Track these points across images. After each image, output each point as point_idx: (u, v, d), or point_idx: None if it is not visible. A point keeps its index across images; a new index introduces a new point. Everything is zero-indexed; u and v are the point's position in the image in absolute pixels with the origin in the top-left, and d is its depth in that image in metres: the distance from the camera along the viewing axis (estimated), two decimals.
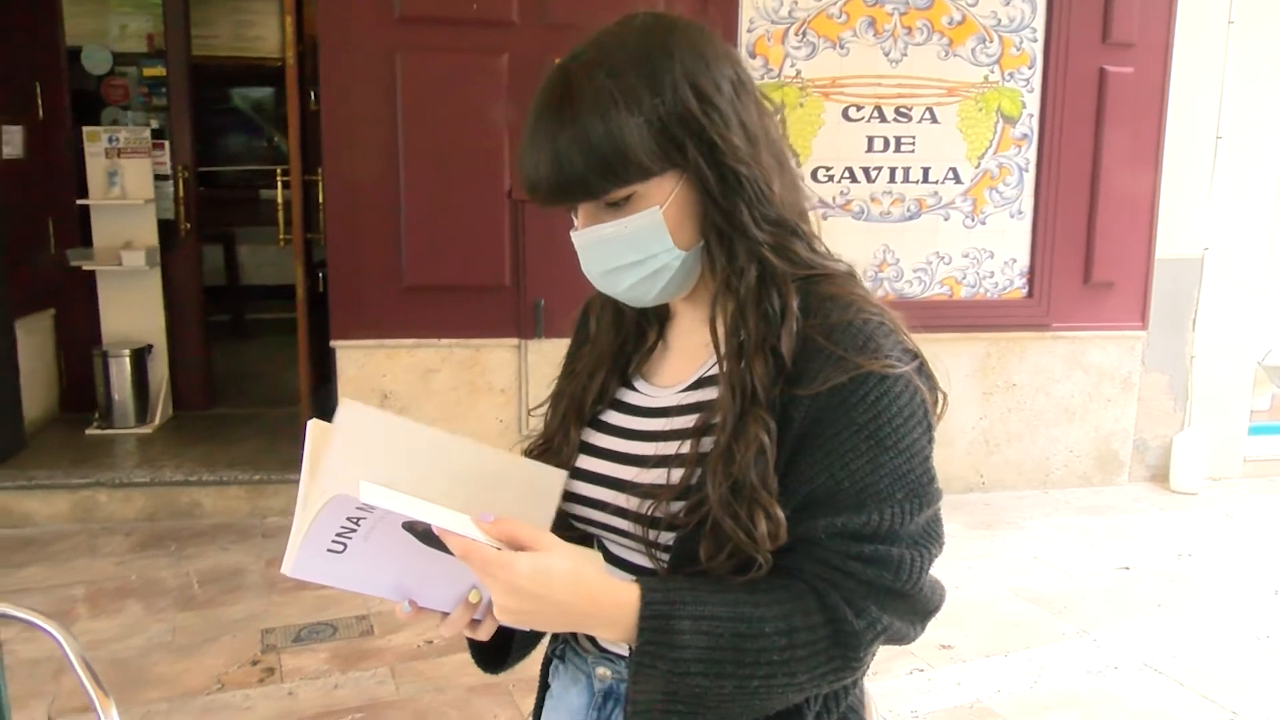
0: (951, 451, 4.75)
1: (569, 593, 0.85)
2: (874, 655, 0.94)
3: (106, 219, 5.11)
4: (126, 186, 5.06)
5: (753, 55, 4.41)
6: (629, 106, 0.90)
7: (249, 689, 3.05)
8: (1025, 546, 4.27)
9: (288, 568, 0.87)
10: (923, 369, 0.94)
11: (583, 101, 0.90)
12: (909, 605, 0.92)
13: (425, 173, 4.17)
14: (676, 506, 0.94)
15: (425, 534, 0.86)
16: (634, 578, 0.92)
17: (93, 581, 3.81)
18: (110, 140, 5.04)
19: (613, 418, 1.07)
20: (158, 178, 5.18)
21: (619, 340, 1.10)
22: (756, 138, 0.96)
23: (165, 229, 5.26)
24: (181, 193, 5.29)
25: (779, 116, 1.03)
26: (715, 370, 0.98)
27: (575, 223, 0.98)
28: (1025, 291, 4.80)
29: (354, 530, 0.86)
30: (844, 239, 4.47)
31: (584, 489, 1.03)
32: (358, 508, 0.83)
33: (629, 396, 1.08)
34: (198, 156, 5.51)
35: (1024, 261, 4.78)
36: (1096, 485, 5.01)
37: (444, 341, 4.35)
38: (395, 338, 4.33)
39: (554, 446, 1.08)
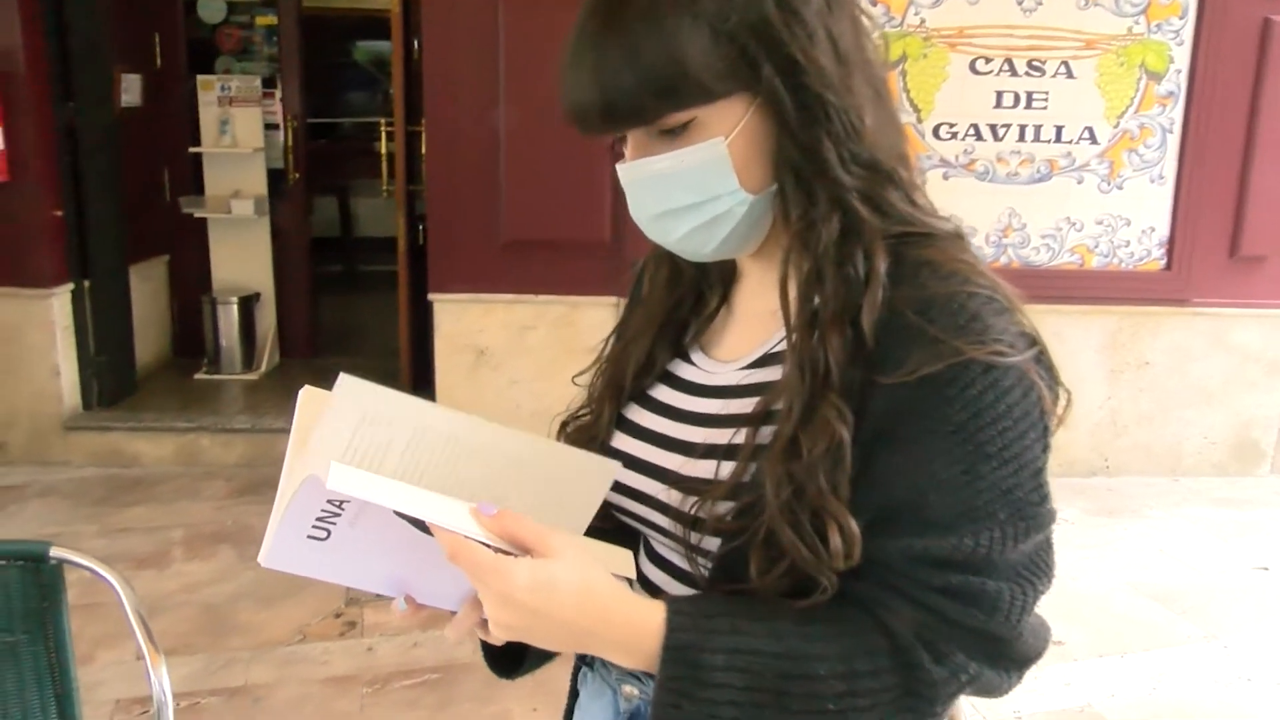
0: (1074, 434, 4.44)
1: (575, 610, 0.71)
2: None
3: (217, 167, 5.17)
4: (237, 135, 5.11)
5: (873, 2, 4.15)
6: (690, 12, 0.74)
7: (329, 642, 3.03)
8: (1150, 537, 3.96)
9: (263, 557, 0.76)
10: (1041, 358, 0.76)
11: (633, 6, 0.75)
12: (1003, 651, 0.75)
13: (526, 125, 4.06)
14: (724, 508, 0.78)
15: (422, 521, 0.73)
16: (663, 598, 0.78)
17: (191, 525, 3.87)
18: (223, 89, 5.08)
19: (661, 393, 0.92)
20: (268, 127, 5.21)
21: (673, 302, 0.95)
22: (849, 59, 0.79)
23: (275, 179, 5.30)
24: (290, 142, 5.32)
25: (879, 37, 0.86)
26: (785, 345, 0.82)
27: (625, 155, 0.83)
28: (1163, 263, 4.43)
29: (337, 515, 0.74)
30: (966, 201, 4.20)
31: (622, 475, 0.89)
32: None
33: (683, 370, 0.92)
34: (318, 109, 5.54)
35: (1163, 231, 4.41)
36: (1232, 475, 4.63)
37: (541, 298, 4.27)
38: (492, 292, 4.26)
39: (586, 423, 0.94)
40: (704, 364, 0.91)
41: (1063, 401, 0.77)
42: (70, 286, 4.40)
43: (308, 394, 0.81)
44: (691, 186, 0.80)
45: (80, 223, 4.42)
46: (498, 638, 0.73)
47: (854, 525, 0.73)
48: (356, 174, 7.76)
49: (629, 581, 0.81)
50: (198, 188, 5.24)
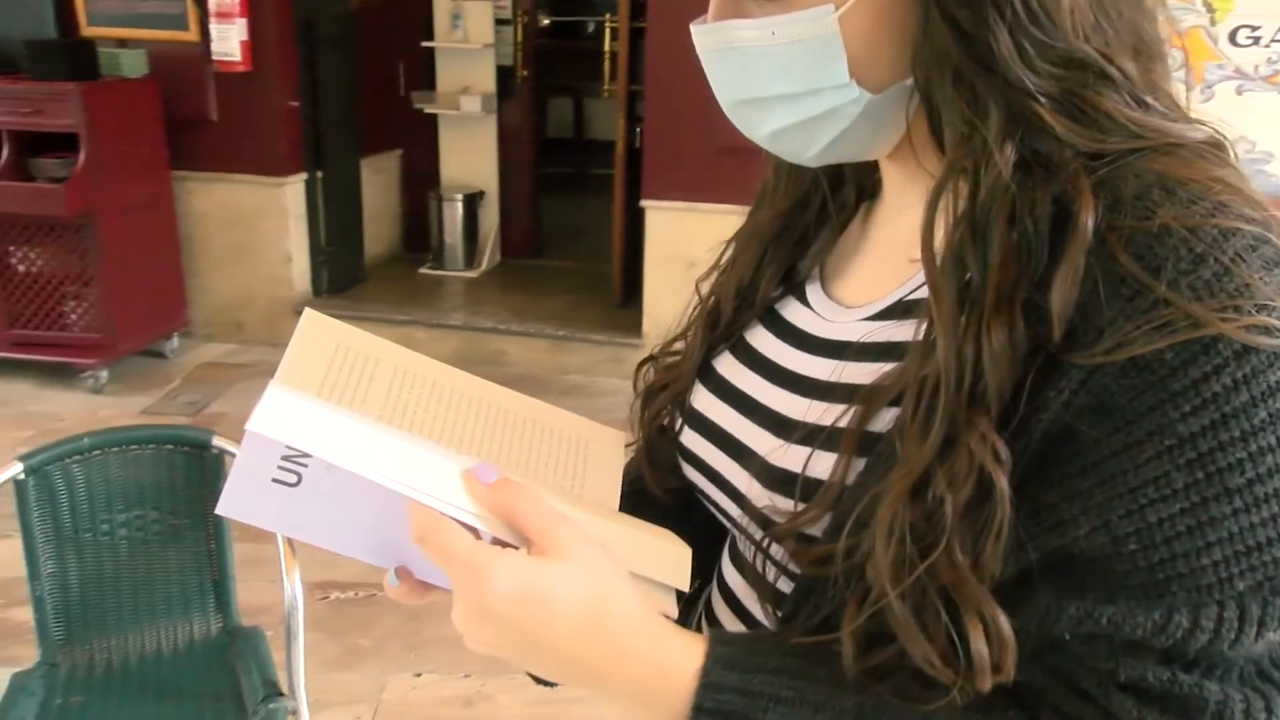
0: None
1: (577, 636, 0.52)
2: None
3: (449, 63, 5.18)
4: (468, 30, 5.08)
5: None
6: None
7: None
8: None
9: (221, 504, 0.60)
10: None
11: None
12: None
13: None
14: (811, 544, 0.56)
15: None
16: (710, 632, 0.57)
17: None
18: None
19: (760, 340, 0.70)
20: (498, 22, 5.15)
21: (792, 202, 0.72)
22: None
23: (504, 77, 5.26)
24: (520, 39, 5.24)
25: None
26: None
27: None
28: None
29: (308, 456, 0.57)
30: (1265, 121, 3.56)
31: (694, 442, 0.68)
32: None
33: (791, 310, 0.70)
34: (553, 6, 5.42)
35: None
36: None
37: None
38: (706, 202, 4.04)
39: (673, 367, 0.73)
40: (820, 304, 0.68)
41: None
42: (304, 177, 4.55)
43: (311, 319, 0.65)
44: (783, 71, 0.57)
45: (315, 114, 4.54)
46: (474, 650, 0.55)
47: (1007, 628, 0.49)
48: (593, 75, 7.67)
49: (679, 595, 0.60)
50: (430, 83, 5.27)
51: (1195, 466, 0.46)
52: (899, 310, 0.61)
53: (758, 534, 0.60)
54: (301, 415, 0.51)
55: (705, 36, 0.60)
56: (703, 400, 0.70)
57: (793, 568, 0.58)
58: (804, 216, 0.72)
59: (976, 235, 0.52)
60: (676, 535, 0.62)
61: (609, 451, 0.69)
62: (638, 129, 4.34)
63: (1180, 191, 0.49)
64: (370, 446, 0.52)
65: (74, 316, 4.09)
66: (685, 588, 0.59)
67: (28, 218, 3.92)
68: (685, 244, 4.10)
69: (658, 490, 0.73)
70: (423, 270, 5.23)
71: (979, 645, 0.49)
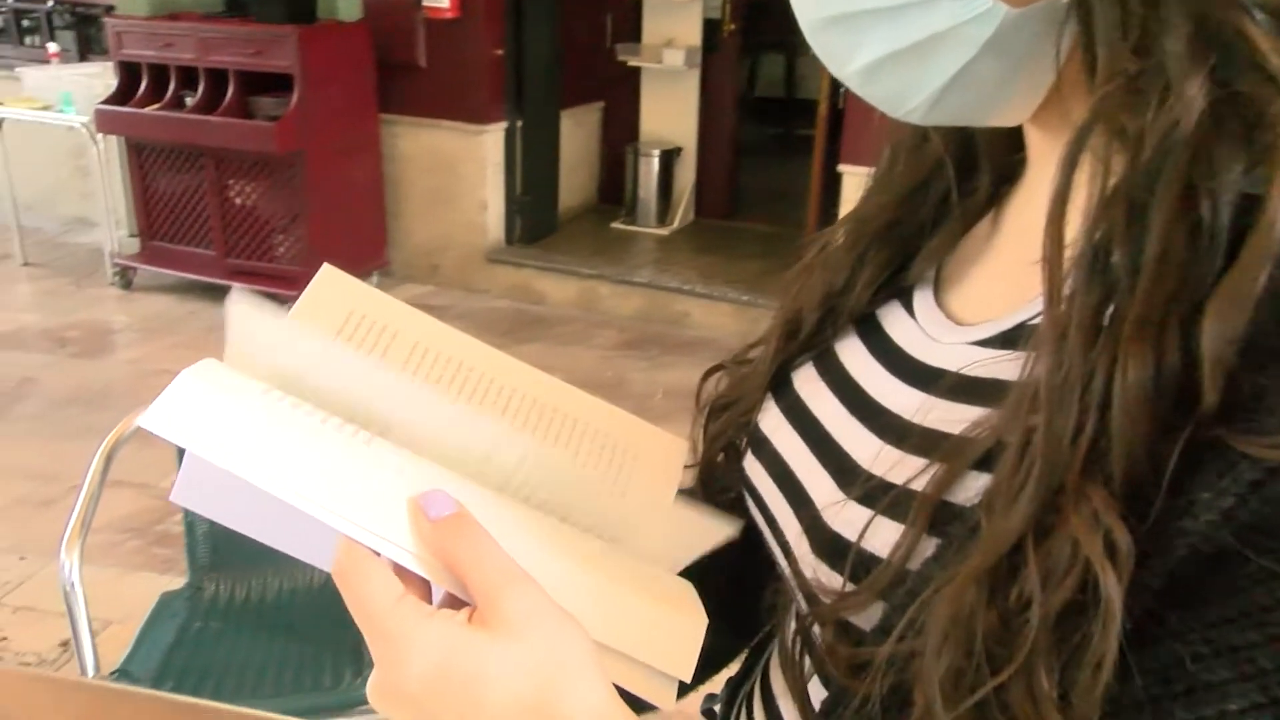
0: None
1: None
2: None
3: (655, 15, 5.08)
4: None
5: None
6: None
7: None
8: None
9: (174, 492, 0.53)
10: None
11: None
12: None
13: None
14: (852, 640, 0.44)
15: None
16: None
17: (574, 370, 3.95)
18: None
19: (848, 352, 0.57)
20: None
21: (911, 186, 0.58)
22: None
23: (711, 31, 5.11)
24: None
25: None
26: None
27: None
28: None
29: None
30: None
31: (755, 472, 0.56)
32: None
33: (893, 321, 0.56)
34: None
35: None
36: None
37: None
38: None
39: (746, 378, 0.61)
40: (927, 317, 0.54)
41: None
42: (504, 125, 4.58)
43: (327, 277, 0.56)
44: None
45: (519, 64, 4.55)
46: None
47: None
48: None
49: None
50: (636, 36, 5.20)
51: None
52: (1022, 337, 0.46)
53: (801, 608, 0.48)
54: (204, 411, 0.42)
55: None
56: (770, 421, 0.58)
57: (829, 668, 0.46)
58: (922, 207, 0.58)
59: (1133, 218, 0.37)
60: (697, 595, 0.50)
61: (662, 465, 0.58)
62: (843, 89, 4.11)
63: None
64: (293, 452, 0.43)
65: (282, 250, 4.30)
66: (686, 677, 0.46)
67: (245, 154, 4.13)
68: None
69: None
70: (615, 225, 5.20)
71: None
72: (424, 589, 0.43)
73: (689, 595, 0.50)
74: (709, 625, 0.51)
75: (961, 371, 0.47)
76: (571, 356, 4.08)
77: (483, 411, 0.55)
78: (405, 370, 0.55)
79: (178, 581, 1.84)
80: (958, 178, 0.57)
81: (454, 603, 0.42)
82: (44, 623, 2.40)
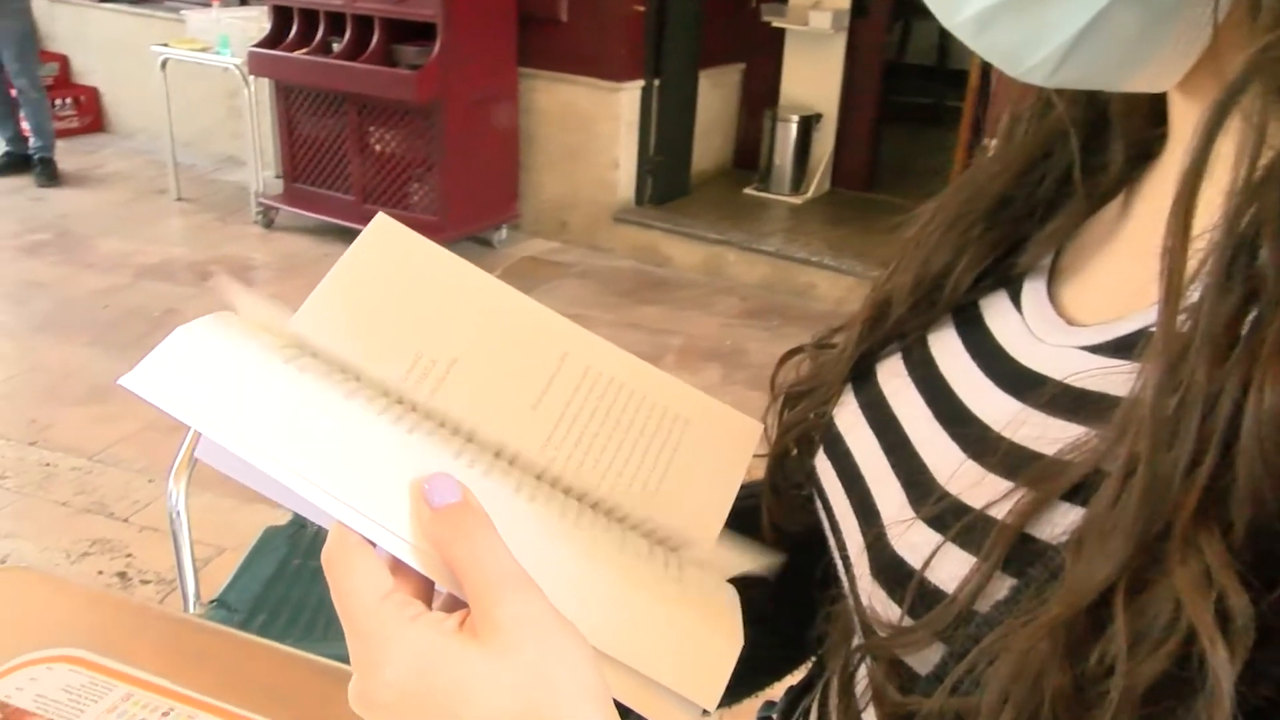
0: None
1: None
2: None
3: None
4: None
5: None
6: None
7: None
8: None
9: (200, 450, 0.51)
10: None
11: None
12: None
13: None
14: (902, 683, 0.39)
15: None
16: None
17: (693, 336, 3.90)
18: None
19: (941, 344, 0.50)
20: None
21: (1030, 159, 0.51)
22: None
23: None
24: None
25: None
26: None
27: None
28: None
29: None
30: None
31: (825, 472, 0.51)
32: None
33: (995, 312, 0.49)
34: None
35: None
36: None
37: None
38: None
39: (827, 365, 0.55)
40: (1035, 312, 0.47)
41: None
42: (640, 84, 4.52)
43: (382, 227, 0.52)
44: None
45: (660, 21, 4.48)
46: None
47: None
48: None
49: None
50: None
51: None
52: (1142, 344, 0.39)
53: (856, 637, 0.43)
54: (191, 373, 0.39)
55: None
56: (846, 416, 0.52)
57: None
58: (1040, 185, 0.51)
59: None
60: (740, 606, 0.45)
61: (729, 448, 0.52)
62: None
63: None
64: (287, 423, 0.39)
65: (416, 198, 4.37)
66: (710, 706, 0.41)
67: (386, 101, 4.20)
68: None
69: (781, 522, 0.56)
70: (747, 190, 5.10)
71: None
72: (422, 585, 0.39)
73: (728, 609, 0.45)
74: (764, 628, 0.46)
75: (1066, 380, 0.40)
76: (691, 321, 4.03)
77: (536, 379, 0.50)
78: (459, 334, 0.51)
79: (286, 516, 1.88)
80: (1084, 153, 0.49)
81: (455, 603, 0.38)
82: (166, 543, 2.51)
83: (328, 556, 0.38)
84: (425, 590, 0.39)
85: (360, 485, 0.38)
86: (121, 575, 2.42)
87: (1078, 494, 0.35)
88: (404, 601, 0.37)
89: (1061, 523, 0.35)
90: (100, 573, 2.41)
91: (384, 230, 0.48)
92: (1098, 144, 0.49)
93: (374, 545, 0.38)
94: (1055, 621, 0.32)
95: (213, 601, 1.57)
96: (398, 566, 0.38)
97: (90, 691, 0.86)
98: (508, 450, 0.45)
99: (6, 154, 5.22)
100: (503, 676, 0.35)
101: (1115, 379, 0.38)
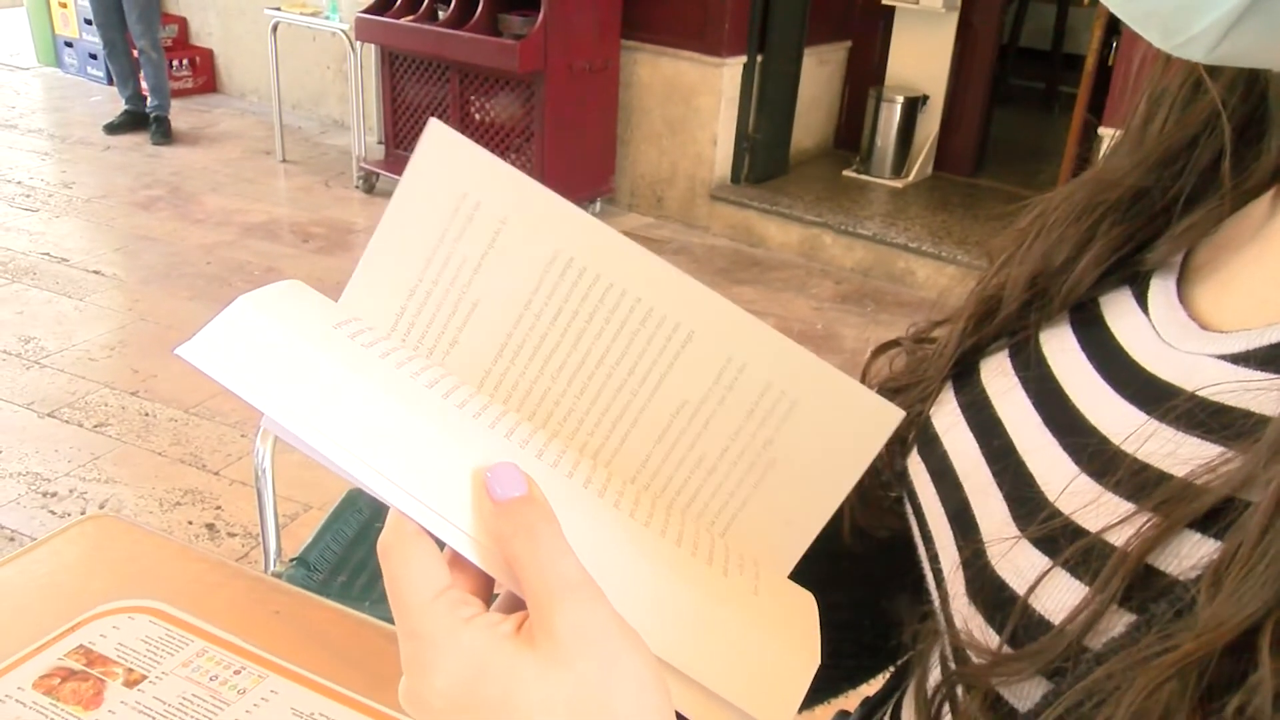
0: None
1: None
2: None
3: None
4: None
5: None
6: None
7: None
8: None
9: (265, 420, 0.48)
10: None
11: None
12: None
13: None
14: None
15: None
16: None
17: (784, 318, 3.85)
18: None
19: (1056, 344, 0.46)
20: None
21: (1170, 147, 0.46)
22: None
23: None
24: None
25: None
26: None
27: None
28: None
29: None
30: None
31: (918, 474, 0.47)
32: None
33: (1119, 313, 0.45)
34: None
35: None
36: None
37: None
38: None
39: (922, 361, 0.52)
40: (1164, 315, 0.43)
41: None
42: (743, 60, 4.45)
43: (436, 130, 0.44)
44: None
45: None
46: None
47: None
48: None
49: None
50: None
51: None
52: None
53: (947, 657, 0.39)
54: (250, 346, 0.37)
55: None
56: (945, 417, 0.48)
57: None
58: (1181, 176, 0.46)
59: None
60: (818, 619, 0.42)
61: (862, 428, 0.42)
62: (1115, 43, 3.74)
63: None
64: (346, 401, 0.37)
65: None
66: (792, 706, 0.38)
67: (488, 70, 4.21)
68: None
69: (866, 525, 0.52)
70: (847, 172, 4.99)
71: None
72: (481, 581, 0.36)
73: (807, 621, 0.41)
74: (844, 635, 0.43)
75: (1201, 393, 0.36)
76: (785, 303, 3.97)
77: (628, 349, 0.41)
78: (540, 287, 0.42)
79: None
80: (1236, 142, 0.44)
81: (515, 602, 0.36)
82: (254, 499, 2.58)
83: (383, 545, 0.36)
84: (484, 587, 0.37)
85: (420, 471, 0.36)
86: (209, 527, 2.49)
87: (1209, 523, 0.31)
88: (459, 600, 0.34)
89: (1191, 555, 0.31)
90: (190, 523, 2.48)
91: (443, 138, 0.43)
92: (1251, 133, 0.44)
93: (432, 536, 0.36)
94: (1188, 659, 0.29)
95: (294, 559, 1.59)
96: (456, 560, 0.36)
97: (167, 644, 0.87)
98: (571, 433, 0.42)
99: (126, 112, 5.40)
100: (557, 691, 0.32)
101: (1262, 395, 0.34)
